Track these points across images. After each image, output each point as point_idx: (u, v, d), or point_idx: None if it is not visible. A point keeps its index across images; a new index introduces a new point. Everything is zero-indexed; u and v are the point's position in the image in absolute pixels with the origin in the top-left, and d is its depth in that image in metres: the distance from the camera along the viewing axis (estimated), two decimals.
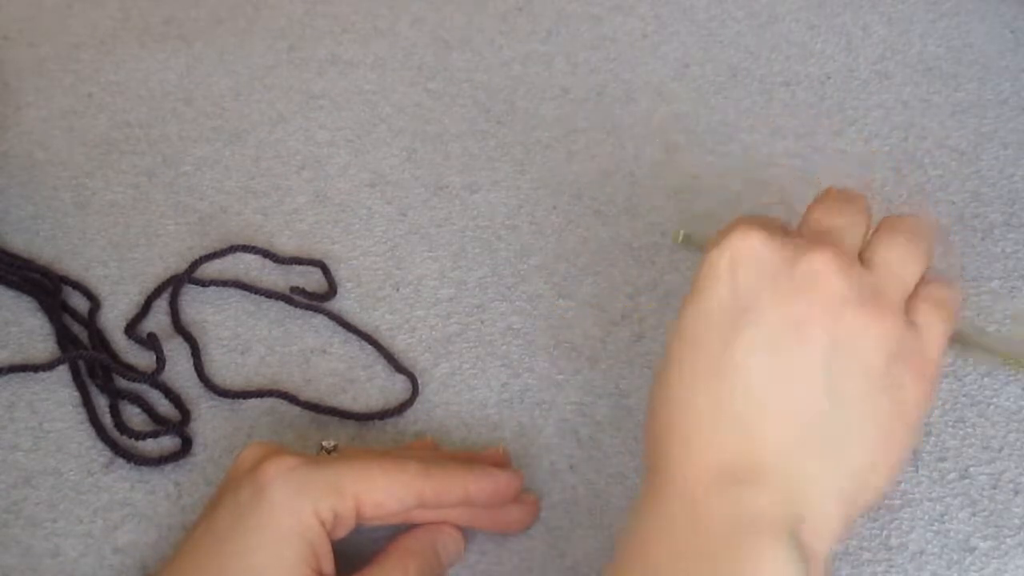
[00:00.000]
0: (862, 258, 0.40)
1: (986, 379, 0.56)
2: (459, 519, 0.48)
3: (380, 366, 0.58)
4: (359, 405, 0.56)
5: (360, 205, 0.66)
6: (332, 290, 0.61)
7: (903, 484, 0.52)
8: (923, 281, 0.40)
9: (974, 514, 0.51)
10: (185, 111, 0.73)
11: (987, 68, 0.75)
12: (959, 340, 0.43)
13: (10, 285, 0.62)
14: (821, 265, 0.38)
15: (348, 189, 0.67)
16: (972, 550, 0.49)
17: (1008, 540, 0.50)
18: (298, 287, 0.61)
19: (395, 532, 0.48)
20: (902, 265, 0.40)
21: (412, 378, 0.57)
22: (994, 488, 0.52)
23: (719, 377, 0.38)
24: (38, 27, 0.80)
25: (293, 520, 0.43)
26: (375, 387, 0.57)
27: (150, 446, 0.54)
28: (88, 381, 0.57)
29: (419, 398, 0.56)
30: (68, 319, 0.60)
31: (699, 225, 0.64)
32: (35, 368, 0.57)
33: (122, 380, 0.57)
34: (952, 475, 0.52)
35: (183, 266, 0.62)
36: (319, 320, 0.60)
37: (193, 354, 0.58)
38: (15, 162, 0.69)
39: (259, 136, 0.71)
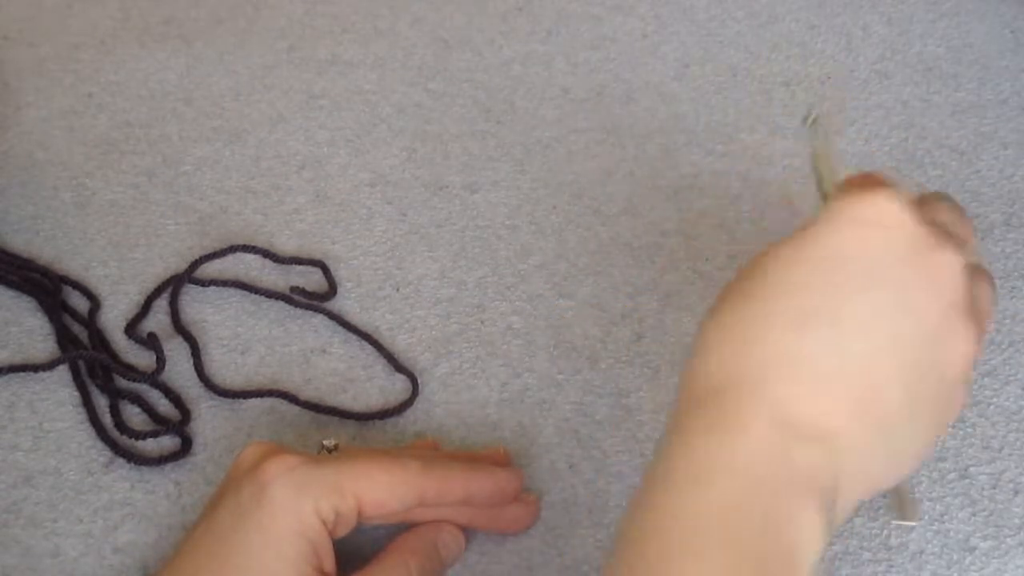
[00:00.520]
0: None
1: (986, 379, 0.56)
2: (459, 518, 0.48)
3: (380, 366, 0.58)
4: (359, 405, 0.56)
5: (360, 205, 0.66)
6: (332, 290, 0.61)
7: None
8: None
9: (974, 514, 0.51)
10: (185, 111, 0.73)
11: (987, 68, 0.75)
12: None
13: (10, 285, 0.62)
14: (957, 268, 0.38)
15: (348, 189, 0.67)
16: (972, 550, 0.49)
17: (1008, 540, 0.50)
18: (298, 287, 0.61)
19: (396, 531, 0.48)
20: (989, 299, 0.41)
21: (412, 378, 0.57)
22: (994, 488, 0.52)
23: (826, 326, 0.37)
24: (38, 27, 0.80)
25: (294, 519, 0.43)
26: (375, 387, 0.57)
27: (150, 446, 0.54)
28: (88, 381, 0.57)
29: (419, 398, 0.56)
30: (68, 319, 0.60)
31: (701, 224, 0.64)
32: (35, 368, 0.57)
33: (122, 380, 0.57)
34: (952, 475, 0.52)
35: (183, 266, 0.62)
36: (319, 320, 0.60)
37: (193, 354, 0.58)
38: (15, 162, 0.69)
39: (259, 136, 0.71)
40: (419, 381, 0.56)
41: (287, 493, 0.43)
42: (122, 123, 0.72)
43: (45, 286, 0.61)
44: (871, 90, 0.74)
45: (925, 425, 0.39)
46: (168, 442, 0.54)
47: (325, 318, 0.60)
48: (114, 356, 0.58)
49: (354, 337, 0.59)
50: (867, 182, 0.40)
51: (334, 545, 0.45)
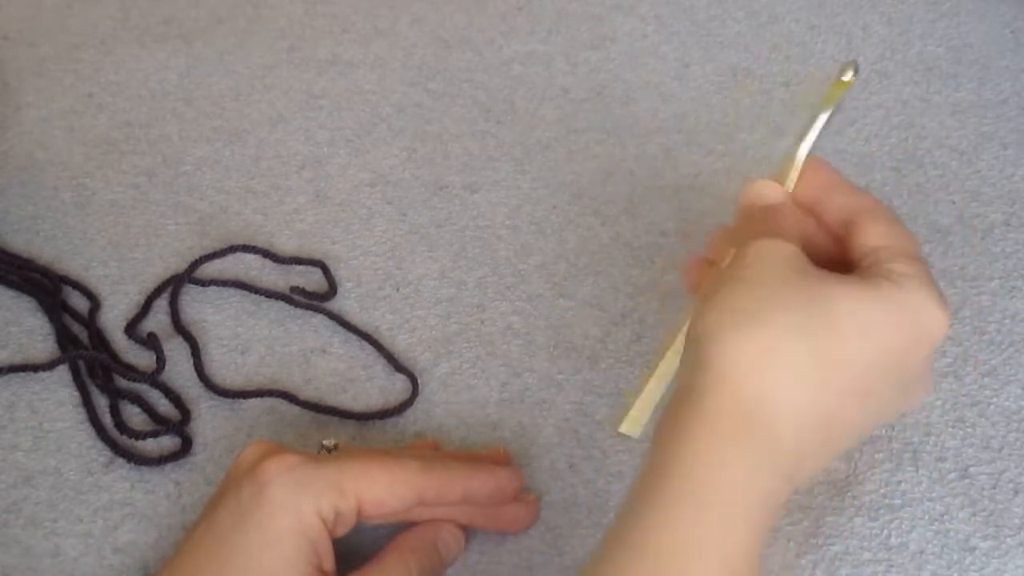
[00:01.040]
0: None
1: (986, 379, 0.56)
2: (459, 518, 0.48)
3: (380, 366, 0.58)
4: (359, 405, 0.56)
5: (360, 205, 0.66)
6: (332, 290, 0.61)
7: (903, 484, 0.52)
8: None
9: (974, 514, 0.51)
10: (185, 111, 0.73)
11: (987, 68, 0.75)
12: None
13: (10, 285, 0.62)
14: (946, 322, 0.40)
15: (348, 189, 0.67)
16: (972, 550, 0.49)
17: (1008, 540, 0.50)
18: (298, 287, 0.61)
19: (396, 530, 0.48)
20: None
21: (412, 378, 0.57)
22: (994, 488, 0.52)
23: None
24: (38, 27, 0.80)
25: (294, 518, 0.43)
26: (375, 387, 0.57)
27: (150, 446, 0.54)
28: (88, 381, 0.57)
29: (419, 398, 0.56)
30: (68, 319, 0.60)
31: (701, 224, 0.64)
32: (35, 368, 0.57)
33: (122, 380, 0.57)
34: (952, 475, 0.52)
35: (183, 266, 0.62)
36: (319, 320, 0.60)
37: (193, 354, 0.58)
38: (15, 162, 0.69)
39: (259, 136, 0.71)
40: (419, 381, 0.57)
41: (287, 492, 0.43)
42: (122, 123, 0.72)
43: (45, 286, 0.61)
44: (871, 90, 0.74)
45: (869, 429, 0.43)
46: (168, 442, 0.54)
47: (325, 318, 0.60)
48: (114, 356, 0.58)
49: (354, 337, 0.59)
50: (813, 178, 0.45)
51: (334, 544, 0.45)
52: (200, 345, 0.58)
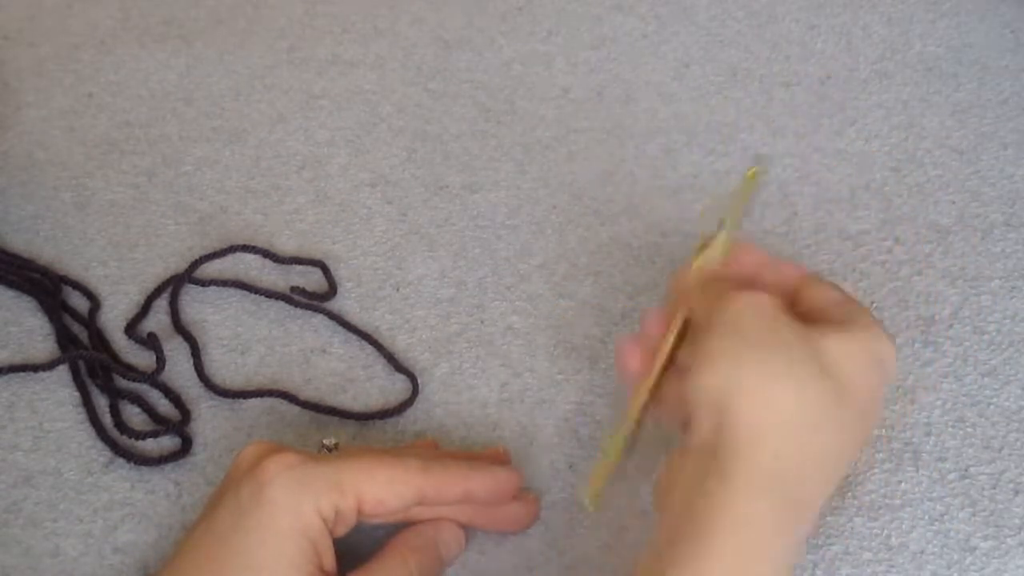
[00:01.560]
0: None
1: (986, 379, 0.56)
2: (459, 517, 0.48)
3: (380, 366, 0.58)
4: (359, 405, 0.56)
5: (360, 205, 0.66)
6: (332, 290, 0.61)
7: (903, 484, 0.52)
8: None
9: (974, 514, 0.51)
10: (185, 111, 0.73)
11: (987, 68, 0.75)
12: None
13: (10, 285, 0.62)
14: (893, 354, 0.44)
15: (348, 189, 0.67)
16: (972, 550, 0.49)
17: (1008, 540, 0.50)
18: (298, 287, 0.61)
19: (396, 530, 0.48)
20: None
21: (412, 378, 0.57)
22: (994, 488, 0.52)
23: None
24: (38, 27, 0.80)
25: (294, 518, 0.43)
26: (375, 387, 0.57)
27: (150, 446, 0.54)
28: (88, 381, 0.57)
29: (419, 398, 0.56)
30: (68, 319, 0.60)
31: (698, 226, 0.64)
32: (35, 368, 0.57)
33: (122, 380, 0.57)
34: (952, 475, 0.52)
35: (183, 266, 0.62)
36: (319, 320, 0.60)
37: (193, 354, 0.58)
38: (15, 162, 0.69)
39: (259, 136, 0.71)
40: (419, 381, 0.57)
41: (287, 492, 0.43)
42: (122, 123, 0.72)
43: (45, 286, 0.61)
44: (871, 90, 0.74)
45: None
46: (168, 442, 0.54)
47: (325, 318, 0.60)
48: (114, 356, 0.58)
49: (354, 337, 0.59)
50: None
51: (334, 543, 0.45)
52: (200, 345, 0.58)
